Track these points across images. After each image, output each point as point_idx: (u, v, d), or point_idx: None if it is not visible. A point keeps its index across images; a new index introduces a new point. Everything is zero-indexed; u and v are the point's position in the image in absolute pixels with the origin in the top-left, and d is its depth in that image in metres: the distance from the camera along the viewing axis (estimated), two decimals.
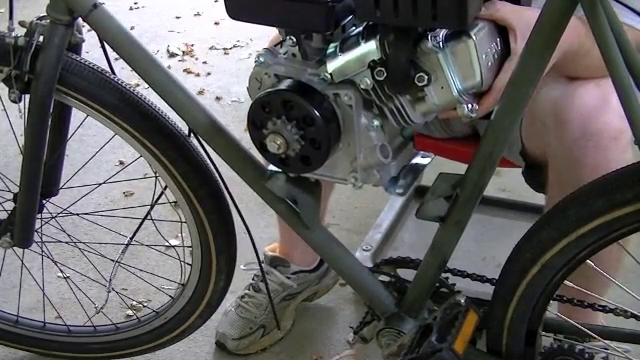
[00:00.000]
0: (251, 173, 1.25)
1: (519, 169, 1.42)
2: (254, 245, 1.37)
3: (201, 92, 2.79)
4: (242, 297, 1.72)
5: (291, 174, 1.19)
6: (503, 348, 1.22)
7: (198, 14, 3.45)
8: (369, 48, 1.05)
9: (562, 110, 1.23)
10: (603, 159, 1.20)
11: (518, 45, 1.07)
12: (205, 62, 3.04)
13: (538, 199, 1.45)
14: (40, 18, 1.26)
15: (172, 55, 3.09)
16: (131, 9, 3.51)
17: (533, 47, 1.01)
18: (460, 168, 1.21)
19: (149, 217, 1.48)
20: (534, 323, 1.19)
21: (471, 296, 1.24)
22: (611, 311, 1.21)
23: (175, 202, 1.39)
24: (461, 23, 1.00)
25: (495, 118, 1.08)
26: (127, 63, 1.23)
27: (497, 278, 1.20)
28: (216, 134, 1.25)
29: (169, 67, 2.67)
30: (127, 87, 1.30)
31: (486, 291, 1.23)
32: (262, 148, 1.13)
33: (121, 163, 2.31)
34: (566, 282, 1.15)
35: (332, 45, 1.09)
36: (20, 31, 1.27)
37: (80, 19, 1.25)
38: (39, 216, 1.45)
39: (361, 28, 1.08)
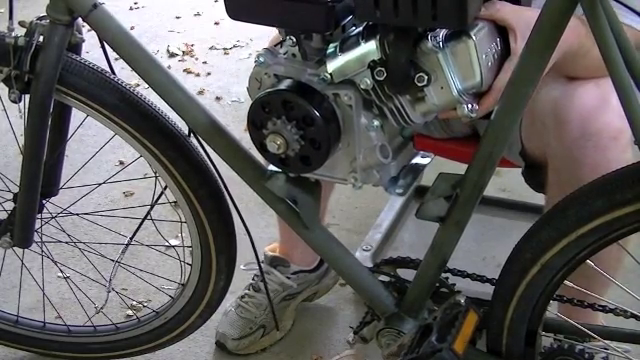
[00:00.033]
0: (251, 173, 1.25)
1: (519, 169, 1.42)
2: (253, 245, 1.37)
3: (201, 92, 2.79)
4: (242, 297, 1.72)
5: (291, 174, 1.19)
6: (503, 348, 1.22)
7: (198, 14, 3.45)
8: (369, 48, 1.05)
9: (562, 110, 1.23)
10: (603, 159, 1.20)
11: (518, 45, 1.07)
12: (205, 62, 3.04)
13: (538, 199, 1.45)
14: (40, 18, 1.26)
15: (172, 55, 3.09)
16: (131, 9, 3.51)
17: (533, 47, 1.01)
18: (460, 168, 1.21)
19: (149, 217, 1.48)
20: (534, 323, 1.19)
21: (471, 296, 1.24)
22: (611, 311, 1.21)
23: (175, 202, 1.39)
24: (461, 23, 1.00)
25: (495, 118, 1.08)
26: (127, 63, 1.23)
27: (497, 278, 1.20)
28: (216, 134, 1.25)
29: (169, 67, 2.67)
30: (127, 87, 1.30)
31: (486, 291, 1.23)
32: (262, 148, 1.13)
33: (121, 163, 2.31)
34: (566, 282, 1.15)
35: (332, 45, 1.09)
36: (20, 31, 1.27)
37: (80, 19, 1.25)
38: (39, 216, 1.45)
39: (361, 28, 1.08)
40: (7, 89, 1.28)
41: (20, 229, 1.41)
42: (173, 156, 1.31)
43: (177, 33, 3.28)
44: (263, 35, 2.60)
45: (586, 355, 1.19)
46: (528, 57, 1.02)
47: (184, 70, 2.96)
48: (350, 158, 1.13)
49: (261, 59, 1.11)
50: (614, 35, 0.93)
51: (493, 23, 1.08)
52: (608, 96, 1.20)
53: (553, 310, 1.27)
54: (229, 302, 1.70)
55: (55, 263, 1.69)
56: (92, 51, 1.48)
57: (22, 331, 1.61)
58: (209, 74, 2.95)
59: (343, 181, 1.16)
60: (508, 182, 2.14)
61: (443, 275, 1.25)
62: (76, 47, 1.31)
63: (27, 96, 1.27)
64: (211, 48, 3.14)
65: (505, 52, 1.09)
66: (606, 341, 1.25)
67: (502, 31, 1.09)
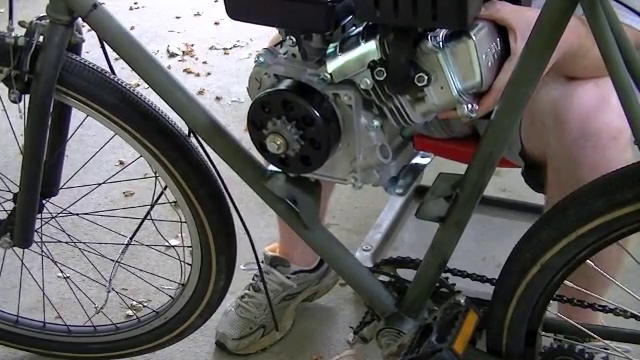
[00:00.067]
0: (251, 173, 1.25)
1: (519, 169, 1.42)
2: (253, 245, 1.37)
3: (201, 92, 2.79)
4: (242, 297, 1.72)
5: (291, 174, 1.19)
6: (503, 348, 1.22)
7: (198, 14, 3.45)
8: (369, 48, 1.05)
9: (561, 110, 1.23)
10: (602, 159, 1.20)
11: (518, 45, 1.07)
12: (205, 62, 3.04)
13: (538, 199, 1.45)
14: (40, 18, 1.26)
15: (172, 55, 3.09)
16: (131, 9, 3.51)
17: (533, 47, 1.01)
18: (460, 168, 1.21)
19: (149, 217, 1.48)
20: (534, 323, 1.19)
21: (471, 296, 1.24)
22: (611, 311, 1.21)
23: (175, 202, 1.39)
24: (461, 23, 1.00)
25: (495, 118, 1.08)
26: (127, 63, 1.23)
27: (497, 278, 1.20)
28: (216, 134, 1.25)
29: (169, 67, 2.67)
30: (127, 87, 1.30)
31: (486, 291, 1.23)
32: (262, 148, 1.13)
33: (121, 163, 2.31)
34: (566, 282, 1.15)
35: (332, 45, 1.09)
36: (20, 31, 1.27)
37: (80, 19, 1.25)
38: (39, 216, 1.45)
39: (361, 28, 1.08)
40: (7, 89, 1.28)
41: (20, 229, 1.41)
42: (173, 156, 1.31)
43: (177, 33, 3.28)
44: (263, 35, 2.60)
45: (586, 355, 1.19)
46: (528, 57, 1.02)
47: (184, 70, 2.96)
48: (350, 158, 1.13)
49: (261, 59, 1.11)
50: (614, 35, 0.93)
51: (493, 23, 1.08)
52: (608, 96, 1.20)
53: (553, 310, 1.27)
54: (229, 302, 1.70)
55: (55, 263, 1.69)
56: (92, 51, 1.48)
57: (22, 331, 1.61)
58: (209, 74, 2.95)
59: (343, 181, 1.16)
60: (508, 182, 2.14)
61: (443, 275, 1.25)
62: (76, 47, 1.31)
63: (27, 96, 1.27)
64: (211, 48, 3.14)
65: (505, 52, 1.09)
66: (606, 341, 1.25)
67: (502, 31, 1.09)
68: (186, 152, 1.32)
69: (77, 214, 1.63)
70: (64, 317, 1.71)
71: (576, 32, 1.10)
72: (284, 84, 1.09)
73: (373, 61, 1.04)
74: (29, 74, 1.25)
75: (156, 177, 1.40)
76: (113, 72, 1.32)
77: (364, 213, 2.12)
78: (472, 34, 1.02)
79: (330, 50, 1.08)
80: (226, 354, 1.68)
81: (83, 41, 1.32)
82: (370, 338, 1.35)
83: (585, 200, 1.05)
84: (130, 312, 1.73)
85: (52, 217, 1.53)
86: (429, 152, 1.23)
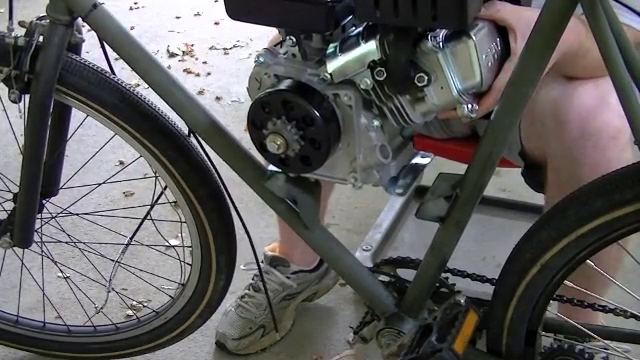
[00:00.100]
0: (251, 173, 1.25)
1: (519, 169, 1.42)
2: (252, 245, 1.37)
3: (201, 92, 2.79)
4: (242, 297, 1.72)
5: (291, 174, 1.19)
6: (503, 348, 1.22)
7: (198, 14, 3.45)
8: (369, 48, 1.05)
9: (561, 110, 1.24)
10: (602, 158, 1.20)
11: (518, 45, 1.07)
12: (205, 62, 3.04)
13: (538, 199, 1.45)
14: (40, 18, 1.26)
15: (172, 55, 3.09)
16: (131, 9, 3.51)
17: (533, 47, 1.01)
18: (460, 168, 1.21)
19: (149, 217, 1.48)
20: (534, 323, 1.19)
21: (471, 296, 1.24)
22: (611, 311, 1.21)
23: (175, 202, 1.39)
24: (461, 23, 1.00)
25: (495, 118, 1.08)
26: (127, 63, 1.23)
27: (497, 278, 1.20)
28: (216, 134, 1.25)
29: (169, 67, 2.67)
30: (127, 87, 1.30)
31: (486, 291, 1.23)
32: (262, 148, 1.13)
33: (121, 163, 2.31)
34: (566, 282, 1.15)
35: (332, 45, 1.08)
36: (20, 31, 1.27)
37: (80, 19, 1.25)
38: (39, 216, 1.45)
39: (361, 28, 1.08)
40: (7, 89, 1.28)
41: (20, 229, 1.41)
42: (173, 156, 1.31)
43: (177, 33, 3.28)
44: (263, 35, 2.60)
45: (586, 355, 1.19)
46: (528, 57, 1.02)
47: (184, 70, 2.96)
48: (350, 158, 1.13)
49: (261, 59, 1.11)
50: (614, 35, 0.93)
51: (493, 23, 1.08)
52: (607, 96, 1.20)
53: (553, 310, 1.27)
54: (229, 302, 1.70)
55: (55, 263, 1.69)
56: (92, 51, 1.48)
57: (22, 331, 1.61)
58: (209, 74, 2.95)
59: (343, 181, 1.16)
60: (508, 182, 2.14)
61: (443, 275, 1.25)
62: (76, 47, 1.32)
63: (27, 96, 1.27)
64: (211, 48, 3.14)
65: (505, 52, 1.09)
66: (606, 341, 1.25)
67: (502, 31, 1.09)
68: (186, 152, 1.32)
69: (77, 214, 1.63)
70: (64, 317, 1.71)
71: (576, 32, 1.10)
72: (284, 84, 1.09)
73: (373, 61, 1.04)
74: (29, 74, 1.25)
75: (156, 177, 1.40)
76: (113, 72, 1.32)
77: (364, 213, 2.12)
78: (472, 34, 1.02)
79: (330, 50, 1.08)
80: (226, 354, 1.68)
81: (83, 41, 1.32)
82: (370, 338, 1.35)
83: (585, 200, 1.05)
84: (130, 312, 1.73)
85: (52, 217, 1.53)
86: (429, 152, 1.23)
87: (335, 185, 1.65)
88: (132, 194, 2.19)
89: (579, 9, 0.95)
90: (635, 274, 1.46)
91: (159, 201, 1.44)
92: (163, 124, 1.31)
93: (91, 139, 2.40)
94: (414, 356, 1.18)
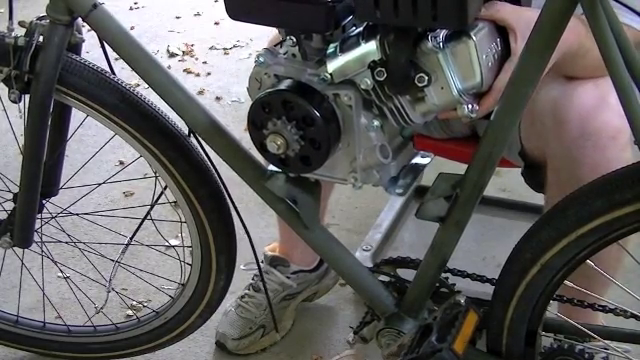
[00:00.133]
0: (251, 173, 1.25)
1: (519, 169, 1.42)
2: (252, 245, 1.37)
3: (201, 92, 2.79)
4: (242, 297, 1.72)
5: (291, 174, 1.19)
6: (503, 348, 1.22)
7: (198, 14, 3.46)
8: (369, 48, 1.05)
9: (561, 110, 1.24)
10: (602, 158, 1.20)
11: (518, 45, 1.07)
12: (205, 62, 3.04)
13: (538, 199, 1.45)
14: (40, 18, 1.26)
15: (172, 55, 3.09)
16: (131, 9, 3.51)
17: (533, 47, 1.01)
18: (460, 168, 1.21)
19: (149, 217, 1.48)
20: (534, 323, 1.19)
21: (471, 296, 1.24)
22: (611, 311, 1.21)
23: (175, 202, 1.39)
24: (461, 23, 1.00)
25: (495, 118, 1.08)
26: (127, 63, 1.23)
27: (497, 278, 1.20)
28: (216, 134, 1.25)
29: (169, 67, 2.67)
30: (127, 87, 1.30)
31: (486, 291, 1.23)
32: (262, 148, 1.13)
33: (121, 163, 2.31)
34: (566, 282, 1.15)
35: (332, 45, 1.08)
36: (20, 31, 1.27)
37: (80, 19, 1.25)
38: (39, 216, 1.45)
39: (361, 28, 1.08)
40: (7, 89, 1.28)
41: (20, 229, 1.41)
42: (173, 156, 1.31)
43: (177, 33, 3.28)
44: (263, 35, 2.60)
45: (586, 355, 1.19)
46: (528, 57, 1.02)
47: (184, 70, 2.96)
48: (350, 158, 1.13)
49: (261, 59, 1.11)
50: (614, 35, 0.93)
51: (493, 23, 1.08)
52: (607, 95, 1.20)
53: (553, 310, 1.27)
54: (229, 302, 1.70)
55: (55, 263, 1.69)
56: (92, 51, 1.48)
57: (22, 331, 1.61)
58: (209, 74, 2.95)
59: (343, 181, 1.16)
60: (508, 182, 2.14)
61: (443, 275, 1.25)
62: (76, 47, 1.32)
63: (27, 96, 1.28)
64: (211, 48, 3.15)
65: (505, 52, 1.09)
66: (606, 341, 1.25)
67: (502, 31, 1.09)
68: (186, 152, 1.32)
69: (77, 214, 1.63)
70: (64, 317, 1.71)
71: (576, 32, 1.10)
72: (284, 84, 1.09)
73: (373, 61, 1.04)
74: (29, 74, 1.25)
75: (156, 177, 1.40)
76: (113, 72, 1.32)
77: (364, 213, 2.12)
78: (472, 34, 1.02)
79: (330, 50, 1.08)
80: (226, 354, 1.68)
81: (83, 41, 1.32)
82: (370, 338, 1.35)
83: (585, 200, 1.05)
84: (130, 312, 1.73)
85: (52, 217, 1.53)
86: (429, 152, 1.23)
87: (335, 185, 1.65)
88: (132, 194, 2.19)
89: (579, 9, 0.95)
90: (635, 274, 1.46)
91: (159, 201, 1.44)
92: (163, 124, 1.31)
93: (91, 139, 2.40)
94: (414, 356, 1.18)
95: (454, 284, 1.28)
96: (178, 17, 3.42)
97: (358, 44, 1.06)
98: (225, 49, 3.13)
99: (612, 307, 1.21)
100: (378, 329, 1.29)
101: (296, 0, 1.04)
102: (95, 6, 1.20)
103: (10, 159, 2.35)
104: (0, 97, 1.37)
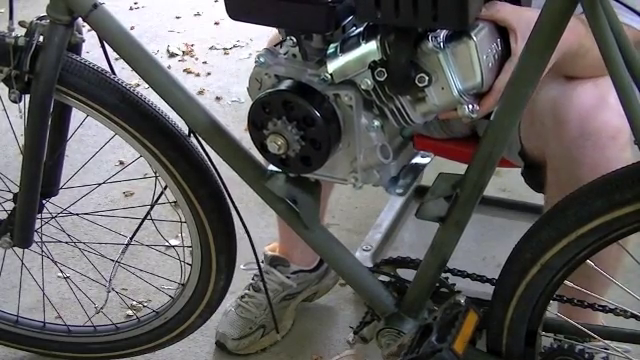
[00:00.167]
0: (251, 173, 1.25)
1: (519, 169, 1.42)
2: (252, 245, 1.37)
3: (201, 92, 2.79)
4: (242, 297, 1.72)
5: (291, 174, 1.19)
6: (503, 348, 1.22)
7: (198, 14, 3.45)
8: (370, 49, 1.05)
9: (560, 110, 1.24)
10: (602, 158, 1.20)
11: (518, 45, 1.07)
12: (205, 62, 3.04)
13: (538, 199, 1.45)
14: (40, 18, 1.26)
15: (172, 55, 3.09)
16: (131, 9, 3.51)
17: (533, 47, 1.01)
18: (460, 168, 1.21)
19: (149, 217, 1.48)
20: (534, 323, 1.19)
21: (471, 296, 1.24)
22: (611, 311, 1.21)
23: (175, 202, 1.39)
24: (462, 24, 1.00)
25: (495, 118, 1.08)
26: (127, 63, 1.23)
27: (497, 278, 1.20)
28: (216, 134, 1.25)
29: (169, 67, 2.67)
30: (127, 87, 1.30)
31: (486, 291, 1.23)
32: (262, 148, 1.13)
33: (121, 163, 2.31)
34: (566, 282, 1.15)
35: (332, 45, 1.08)
36: (20, 31, 1.27)
37: (80, 19, 1.25)
38: (39, 216, 1.45)
39: (362, 28, 1.08)
40: (7, 89, 1.28)
41: (20, 229, 1.41)
42: (173, 156, 1.31)
43: (177, 33, 3.28)
44: (263, 35, 2.60)
45: (586, 355, 1.19)
46: (528, 57, 1.02)
47: (184, 70, 2.96)
48: (350, 158, 1.13)
49: (261, 59, 1.11)
50: (614, 35, 0.93)
51: (493, 24, 1.08)
52: (606, 95, 1.20)
53: (553, 310, 1.27)
54: (229, 302, 1.70)
55: (55, 263, 1.69)
56: (92, 51, 1.48)
57: (22, 331, 1.61)
58: (209, 74, 2.95)
59: (343, 181, 1.16)
60: (508, 182, 2.14)
61: (443, 275, 1.25)
62: (76, 47, 1.32)
63: (27, 96, 1.28)
64: (211, 48, 3.14)
65: (505, 52, 1.09)
66: (606, 341, 1.25)
67: (502, 32, 1.09)
68: (186, 152, 1.32)
69: (77, 214, 1.63)
70: (64, 317, 1.71)
71: (576, 32, 1.10)
72: (285, 84, 1.09)
73: (374, 61, 1.04)
74: (29, 74, 1.25)
75: (156, 177, 1.40)
76: (113, 72, 1.32)
77: (364, 213, 2.12)
78: (473, 35, 1.02)
79: (331, 50, 1.08)
80: (226, 354, 1.68)
81: (83, 41, 1.32)
82: (370, 338, 1.35)
83: (585, 200, 1.06)
84: (130, 312, 1.73)
85: (52, 217, 1.53)
86: (429, 152, 1.23)
87: (335, 185, 1.65)
88: (132, 194, 2.19)
89: (579, 9, 0.95)
90: (635, 274, 1.46)
91: (159, 201, 1.44)
92: (163, 124, 1.31)
93: (91, 139, 2.40)
94: (414, 356, 1.18)
95: (454, 284, 1.28)
96: (178, 17, 3.42)
97: (358, 44, 1.06)
98: (225, 49, 3.13)
99: (612, 307, 1.21)
100: (378, 329, 1.29)
101: (296, 0, 1.04)
102: (95, 6, 1.20)
103: (10, 159, 2.35)
104: (0, 97, 1.37)
